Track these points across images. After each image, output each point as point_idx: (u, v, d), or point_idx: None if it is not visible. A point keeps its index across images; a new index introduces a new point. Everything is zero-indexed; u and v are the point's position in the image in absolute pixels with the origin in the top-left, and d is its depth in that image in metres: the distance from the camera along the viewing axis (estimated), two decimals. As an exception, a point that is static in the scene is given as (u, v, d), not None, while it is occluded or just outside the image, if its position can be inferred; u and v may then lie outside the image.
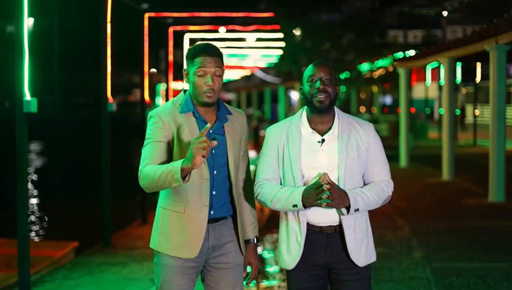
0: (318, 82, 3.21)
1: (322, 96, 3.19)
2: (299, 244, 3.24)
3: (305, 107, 3.33)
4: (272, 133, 3.35)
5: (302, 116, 3.31)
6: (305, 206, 3.16)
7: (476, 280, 6.41)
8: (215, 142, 2.91)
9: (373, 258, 3.33)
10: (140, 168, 3.14)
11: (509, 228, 9.06)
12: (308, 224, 3.24)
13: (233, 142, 3.28)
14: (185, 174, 2.94)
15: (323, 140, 3.24)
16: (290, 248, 3.27)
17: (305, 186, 3.17)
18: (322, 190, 3.09)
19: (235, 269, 3.32)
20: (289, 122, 3.33)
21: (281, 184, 3.32)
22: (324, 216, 3.21)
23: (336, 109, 3.31)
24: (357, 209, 3.17)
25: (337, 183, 3.19)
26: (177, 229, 3.20)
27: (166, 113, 3.21)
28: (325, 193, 3.08)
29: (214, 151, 3.21)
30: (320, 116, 3.26)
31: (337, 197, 3.10)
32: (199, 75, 3.16)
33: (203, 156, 2.87)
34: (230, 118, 3.31)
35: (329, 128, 3.26)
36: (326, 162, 3.22)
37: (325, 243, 3.24)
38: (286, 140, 3.28)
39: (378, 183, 3.29)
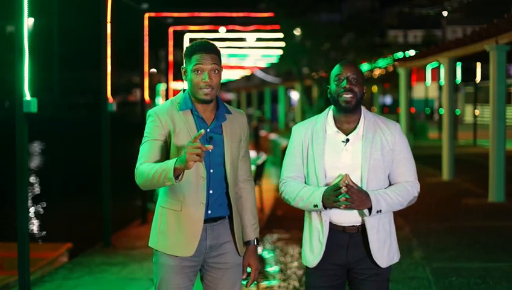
0: (344, 81, 3.21)
1: (348, 95, 3.20)
2: (321, 243, 3.25)
3: (332, 106, 3.33)
4: (297, 132, 3.36)
5: (328, 115, 3.32)
6: (325, 207, 3.17)
7: (476, 280, 6.41)
8: (210, 147, 2.92)
9: (395, 259, 3.33)
10: (136, 166, 3.16)
11: (509, 228, 9.05)
12: (331, 223, 3.24)
13: (231, 142, 3.27)
14: (178, 173, 2.96)
15: (347, 140, 3.24)
16: (312, 246, 3.28)
17: (326, 187, 3.18)
18: (340, 192, 3.10)
19: (233, 269, 3.32)
20: (315, 121, 3.34)
21: (305, 182, 3.33)
22: (347, 216, 3.22)
23: (363, 108, 3.32)
24: (380, 211, 3.17)
25: (359, 184, 3.19)
26: (175, 227, 3.21)
27: (164, 112, 3.23)
28: (343, 195, 3.09)
29: (210, 150, 3.21)
30: (346, 116, 3.26)
31: (357, 199, 3.11)
32: (196, 72, 3.17)
33: (196, 160, 2.87)
34: (229, 117, 3.30)
35: (355, 128, 3.26)
36: (350, 162, 3.22)
37: (347, 242, 3.25)
38: (311, 139, 3.29)
39: (403, 184, 3.28)
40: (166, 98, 13.29)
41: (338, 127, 3.27)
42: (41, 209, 16.82)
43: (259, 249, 8.16)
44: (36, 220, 15.28)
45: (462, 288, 6.17)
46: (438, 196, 12.07)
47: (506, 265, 6.95)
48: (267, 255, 7.73)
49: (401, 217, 9.57)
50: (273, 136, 29.15)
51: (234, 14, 13.56)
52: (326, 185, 3.22)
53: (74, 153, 29.55)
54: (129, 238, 9.19)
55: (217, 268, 3.31)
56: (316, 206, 3.18)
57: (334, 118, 3.30)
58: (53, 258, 8.45)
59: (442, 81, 16.60)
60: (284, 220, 9.99)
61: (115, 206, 9.18)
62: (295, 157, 3.34)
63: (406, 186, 3.27)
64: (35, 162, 27.67)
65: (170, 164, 2.96)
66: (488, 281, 6.35)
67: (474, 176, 14.44)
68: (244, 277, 3.39)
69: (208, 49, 3.18)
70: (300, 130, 3.35)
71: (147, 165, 3.10)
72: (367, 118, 3.29)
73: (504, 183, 11.11)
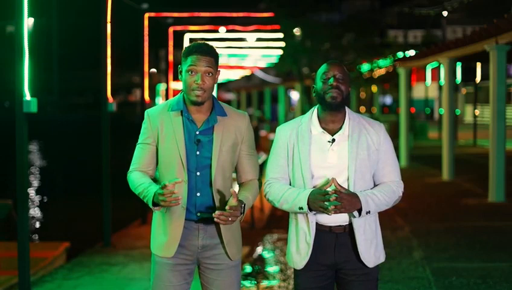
0: (331, 79, 3.22)
1: (335, 92, 3.20)
2: (308, 244, 3.24)
3: (316, 106, 3.33)
4: (282, 133, 3.35)
5: (312, 115, 3.31)
6: (310, 209, 3.16)
7: (476, 280, 6.40)
8: (179, 180, 3.07)
9: (381, 258, 3.33)
10: (130, 169, 3.32)
11: (509, 228, 9.05)
12: (317, 224, 3.24)
13: (222, 145, 3.25)
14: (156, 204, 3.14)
15: (333, 140, 3.23)
16: (299, 248, 3.27)
17: (312, 190, 3.17)
18: (328, 198, 3.09)
19: (227, 270, 3.32)
20: (299, 122, 3.33)
21: (290, 183, 3.32)
22: (334, 216, 3.20)
23: (347, 109, 3.31)
24: (369, 212, 3.17)
25: (346, 184, 3.19)
26: (160, 228, 3.29)
27: (156, 113, 3.29)
28: (332, 203, 3.08)
29: (198, 153, 3.22)
30: (332, 115, 3.25)
31: (347, 203, 3.10)
32: (190, 73, 3.19)
33: (171, 205, 3.08)
34: (223, 119, 3.28)
35: (340, 128, 3.26)
36: (336, 161, 3.21)
37: (334, 242, 3.24)
38: (296, 139, 3.28)
39: (388, 184, 3.28)
40: (166, 98, 13.30)
41: (323, 127, 3.26)
42: (41, 209, 16.82)
43: (259, 249, 8.16)
44: (36, 220, 15.28)
45: (462, 288, 6.17)
46: (438, 196, 12.07)
47: (506, 265, 6.95)
48: (267, 255, 7.73)
49: (401, 217, 9.58)
50: (273, 136, 29.12)
51: (234, 14, 13.55)
52: (314, 186, 3.21)
53: (74, 153, 29.55)
54: (129, 238, 9.19)
55: (211, 269, 3.32)
56: (301, 208, 3.17)
57: (318, 118, 3.29)
58: (54, 257, 8.45)
59: (442, 81, 16.60)
60: (284, 220, 9.97)
61: (115, 206, 9.18)
62: (280, 158, 3.33)
63: (392, 187, 3.27)
64: (35, 162, 27.67)
65: (150, 194, 3.14)
66: (488, 281, 6.34)
67: (474, 176, 14.44)
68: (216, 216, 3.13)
69: (203, 51, 3.19)
70: (285, 131, 3.33)
71: (137, 178, 3.27)
72: (352, 118, 3.29)
73: (504, 183, 11.11)
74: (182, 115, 3.25)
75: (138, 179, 3.25)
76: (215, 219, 3.11)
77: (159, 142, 3.25)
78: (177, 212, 3.22)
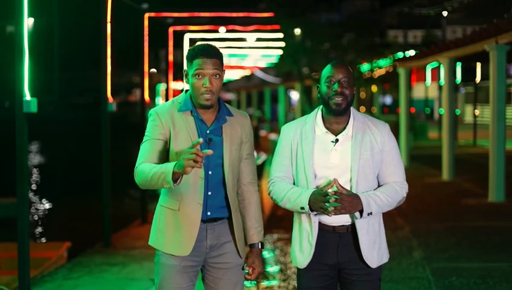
0: (336, 84, 3.20)
1: (339, 99, 3.19)
2: (310, 244, 3.24)
3: (321, 106, 3.33)
4: (286, 132, 3.36)
5: (317, 115, 3.31)
6: (311, 210, 3.17)
7: (476, 280, 6.41)
8: (210, 152, 2.92)
9: (385, 258, 3.33)
10: (136, 165, 3.18)
11: (509, 228, 9.05)
12: (320, 223, 3.24)
13: (231, 144, 3.27)
14: (176, 177, 2.97)
15: (336, 140, 3.24)
16: (302, 247, 3.28)
17: (314, 190, 3.17)
18: (328, 200, 3.09)
19: (234, 269, 3.32)
20: (304, 121, 3.34)
21: (294, 183, 3.32)
22: (337, 216, 3.20)
23: (352, 109, 3.30)
24: (370, 213, 3.17)
25: (349, 185, 3.19)
26: (172, 226, 3.22)
27: (165, 112, 3.23)
28: (331, 204, 3.08)
29: (210, 155, 3.21)
30: (336, 117, 3.26)
31: (348, 205, 3.11)
32: (197, 77, 3.17)
33: (194, 166, 2.88)
34: (230, 119, 3.29)
35: (344, 128, 3.26)
36: (339, 162, 3.21)
37: (337, 242, 3.24)
38: (300, 139, 3.28)
39: (392, 184, 3.27)
40: (166, 98, 13.30)
41: (327, 128, 3.27)
42: (41, 209, 16.82)
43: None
44: (36, 220, 15.28)
45: (462, 288, 6.17)
46: (438, 196, 12.07)
47: (506, 265, 6.95)
48: (267, 255, 7.74)
49: (401, 217, 9.57)
50: (273, 136, 29.15)
51: (234, 14, 13.54)
52: (317, 186, 3.21)
53: (74, 153, 29.55)
54: (129, 238, 9.19)
55: (217, 268, 3.31)
56: (302, 208, 3.18)
57: (323, 118, 3.29)
58: (57, 257, 8.46)
59: (442, 81, 16.60)
60: (284, 220, 9.99)
61: (115, 206, 9.18)
62: (284, 158, 3.34)
63: (395, 187, 3.27)
64: (35, 162, 27.67)
65: (169, 167, 2.97)
66: (488, 281, 6.35)
67: (474, 176, 14.44)
68: (248, 277, 3.38)
69: (209, 53, 3.17)
70: (289, 130, 3.34)
71: (147, 166, 3.11)
72: (356, 119, 3.29)
73: (504, 183, 11.11)
74: (191, 114, 3.23)
75: (150, 165, 3.09)
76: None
77: (172, 139, 3.19)
78: (193, 208, 3.19)
